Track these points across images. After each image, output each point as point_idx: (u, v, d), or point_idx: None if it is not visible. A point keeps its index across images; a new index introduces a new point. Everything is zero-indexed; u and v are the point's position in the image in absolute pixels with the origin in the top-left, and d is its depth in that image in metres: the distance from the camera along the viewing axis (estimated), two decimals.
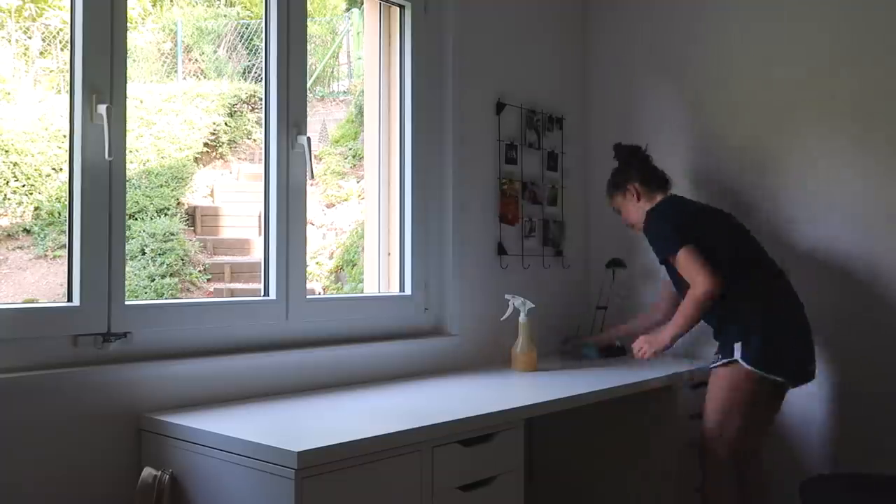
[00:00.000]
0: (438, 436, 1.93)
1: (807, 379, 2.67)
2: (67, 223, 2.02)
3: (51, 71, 7.14)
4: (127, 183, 2.10)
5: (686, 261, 2.62)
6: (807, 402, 2.96)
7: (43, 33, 7.15)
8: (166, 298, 5.90)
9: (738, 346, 2.60)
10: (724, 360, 2.63)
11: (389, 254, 2.91)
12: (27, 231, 6.15)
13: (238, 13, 9.01)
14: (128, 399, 2.02)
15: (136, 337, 2.06)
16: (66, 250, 2.02)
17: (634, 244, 3.29)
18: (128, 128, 2.08)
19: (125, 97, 2.06)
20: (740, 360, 2.58)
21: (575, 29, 3.57)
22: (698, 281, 2.59)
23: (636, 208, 2.88)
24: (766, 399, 2.65)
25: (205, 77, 8.52)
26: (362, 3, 6.64)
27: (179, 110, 7.50)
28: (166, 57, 8.43)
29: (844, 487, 2.65)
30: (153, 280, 6.23)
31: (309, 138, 2.46)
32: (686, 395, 2.80)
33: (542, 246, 3.30)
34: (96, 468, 1.96)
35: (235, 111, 7.85)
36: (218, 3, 8.96)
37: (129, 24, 2.12)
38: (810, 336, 2.66)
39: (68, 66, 2.02)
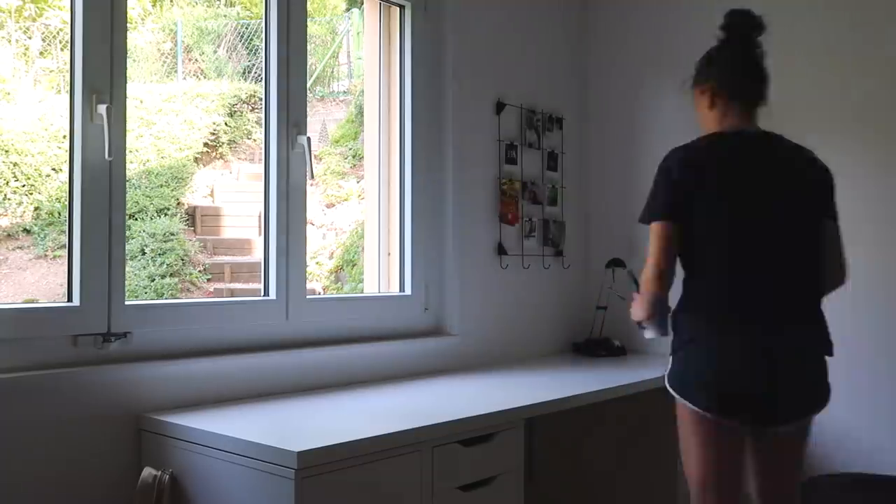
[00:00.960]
0: (438, 436, 1.93)
1: (765, 419, 2.01)
2: (67, 223, 2.02)
3: (51, 71, 7.14)
4: (127, 183, 2.10)
5: (652, 236, 2.05)
6: None
7: (43, 33, 7.15)
8: (166, 298, 5.90)
9: (670, 360, 2.06)
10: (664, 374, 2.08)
11: (389, 254, 2.91)
12: (27, 231, 6.15)
13: (238, 13, 9.01)
14: (128, 399, 2.02)
15: (136, 337, 2.06)
16: (66, 250, 2.02)
17: (634, 244, 3.28)
18: (128, 128, 2.08)
19: (125, 97, 2.06)
20: (665, 380, 2.04)
21: (575, 29, 3.57)
22: (648, 266, 2.04)
23: (704, 119, 2.20)
24: (715, 441, 1.98)
25: (205, 77, 8.52)
26: (362, 3, 6.65)
27: (179, 110, 7.50)
28: (166, 57, 8.43)
29: (844, 487, 2.65)
30: (153, 280, 6.23)
31: (309, 138, 2.47)
32: None
33: (542, 246, 3.30)
34: (96, 468, 1.96)
35: (235, 111, 7.85)
36: (218, 3, 8.96)
37: (129, 24, 2.12)
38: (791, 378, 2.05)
39: (68, 66, 2.02)
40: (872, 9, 2.87)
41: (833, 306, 2.90)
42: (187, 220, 6.94)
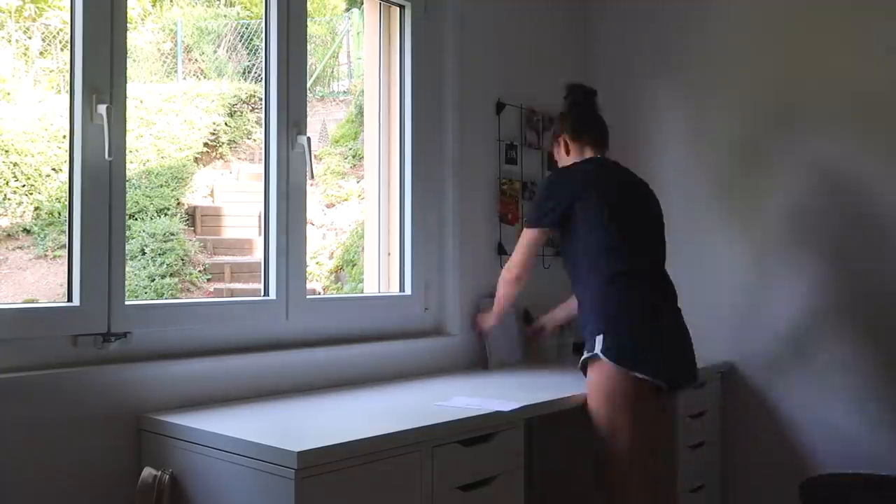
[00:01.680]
0: (438, 436, 1.93)
1: (681, 383, 2.43)
2: (67, 223, 2.02)
3: (51, 71, 7.14)
4: (127, 183, 2.10)
5: (523, 238, 2.56)
6: (807, 402, 2.96)
7: (43, 33, 7.15)
8: (166, 298, 5.90)
9: (599, 339, 2.32)
10: (587, 355, 2.35)
11: (389, 254, 2.91)
12: (27, 231, 6.15)
13: (238, 13, 9.01)
14: (128, 399, 2.02)
15: (136, 337, 2.06)
16: (66, 250, 2.02)
17: None
18: (128, 128, 2.08)
19: (125, 97, 2.06)
20: (600, 355, 2.29)
21: (575, 29, 3.57)
22: (512, 260, 2.60)
23: (563, 162, 2.64)
24: (644, 403, 2.31)
25: (205, 77, 8.52)
26: (362, 3, 6.64)
27: (179, 110, 7.50)
28: (166, 57, 8.43)
29: (844, 487, 2.65)
30: (153, 280, 6.22)
31: (309, 138, 2.47)
32: (687, 395, 2.80)
33: (542, 246, 3.30)
34: (96, 468, 1.96)
35: (235, 111, 7.85)
36: (218, 3, 8.96)
37: (129, 24, 2.12)
38: (685, 339, 2.45)
39: (68, 66, 2.02)
40: (876, 8, 2.87)
41: (834, 306, 2.91)
42: (187, 220, 6.94)
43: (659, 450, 2.47)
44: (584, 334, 2.40)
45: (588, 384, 2.35)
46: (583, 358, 2.37)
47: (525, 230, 2.55)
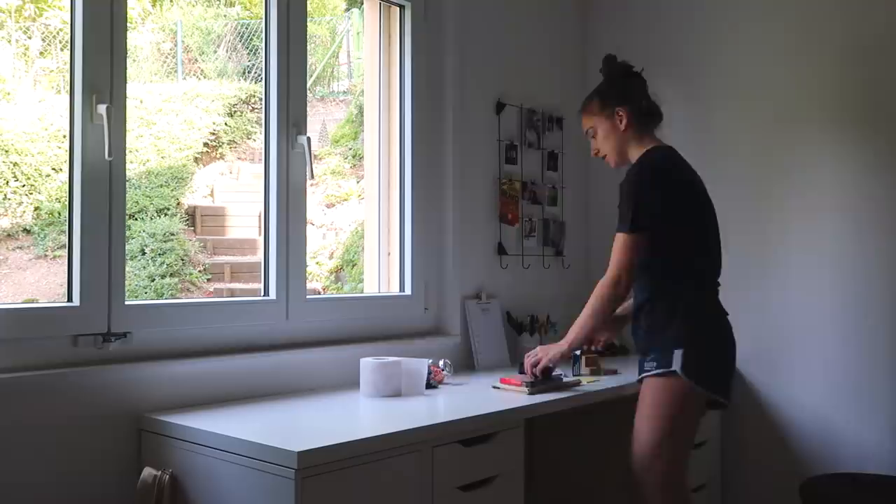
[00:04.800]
0: (438, 436, 1.93)
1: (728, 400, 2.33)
2: (67, 223, 2.02)
3: (51, 71, 7.13)
4: (127, 183, 2.10)
5: (621, 245, 2.25)
6: (807, 402, 2.96)
7: (43, 33, 7.14)
8: (166, 298, 5.89)
9: (678, 354, 2.18)
10: (661, 370, 2.20)
11: (389, 254, 2.91)
12: (27, 231, 6.14)
13: (238, 13, 9.00)
14: (128, 399, 2.02)
15: (136, 337, 2.06)
16: (66, 250, 2.02)
17: None
18: (128, 128, 2.09)
19: (125, 97, 2.06)
20: (680, 372, 2.17)
21: (575, 29, 3.57)
22: (612, 270, 2.25)
23: (619, 140, 2.38)
24: (695, 421, 2.29)
25: (205, 77, 8.52)
26: (362, 3, 6.64)
27: (179, 110, 7.49)
28: (166, 57, 8.42)
29: (844, 487, 2.65)
30: (153, 280, 6.22)
31: (309, 138, 2.47)
32: None
33: (542, 246, 3.30)
34: (96, 468, 1.96)
35: (235, 111, 7.84)
36: (218, 2, 8.95)
37: (129, 25, 2.12)
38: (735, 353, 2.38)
39: (68, 66, 2.02)
40: (876, 9, 2.87)
41: (834, 306, 2.91)
42: (187, 220, 6.94)
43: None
44: (652, 343, 2.26)
45: (652, 386, 2.22)
46: (654, 372, 2.21)
47: (624, 237, 2.24)
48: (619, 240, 2.25)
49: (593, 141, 2.45)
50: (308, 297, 2.50)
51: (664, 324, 2.24)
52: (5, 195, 6.05)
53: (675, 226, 2.24)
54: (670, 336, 2.21)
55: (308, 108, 2.54)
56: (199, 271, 6.56)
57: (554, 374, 2.44)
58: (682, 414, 2.22)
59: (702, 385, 2.20)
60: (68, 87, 2.02)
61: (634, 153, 2.37)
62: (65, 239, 2.26)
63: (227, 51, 8.79)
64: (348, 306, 2.72)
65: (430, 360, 2.49)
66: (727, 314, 2.35)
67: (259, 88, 7.06)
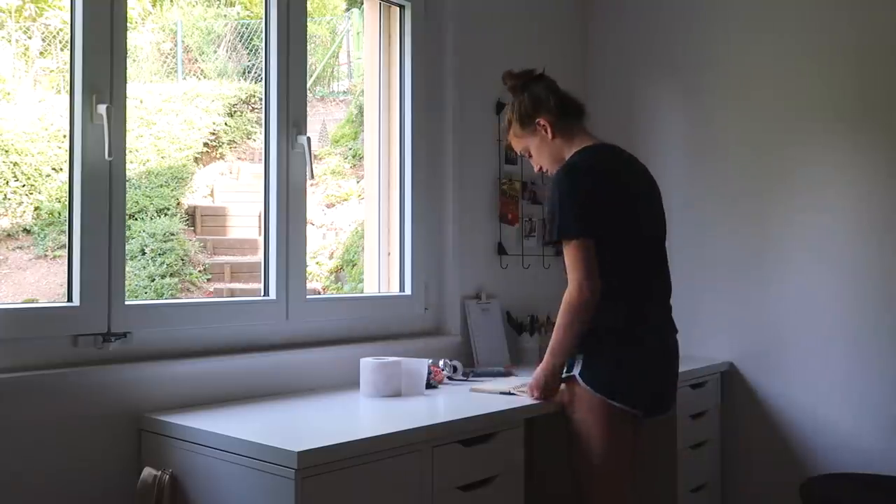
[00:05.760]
0: (438, 436, 1.93)
1: (660, 412, 2.25)
2: (67, 223, 2.02)
3: (51, 71, 7.13)
4: (127, 183, 2.10)
5: (574, 254, 2.11)
6: (807, 401, 2.96)
7: (43, 33, 7.14)
8: (166, 298, 5.89)
9: (578, 360, 2.14)
10: (565, 375, 2.17)
11: (389, 254, 2.91)
12: (27, 231, 6.14)
13: (238, 13, 9.00)
14: (128, 399, 2.02)
15: (136, 337, 2.06)
16: (66, 250, 2.02)
17: None
18: (128, 128, 2.09)
19: (125, 97, 2.06)
20: (577, 378, 2.13)
21: (575, 29, 3.56)
22: (575, 284, 2.10)
23: (552, 149, 2.27)
24: (619, 432, 2.14)
25: (205, 77, 8.52)
26: (362, 3, 6.64)
27: (179, 110, 7.49)
28: (166, 57, 8.42)
29: (844, 487, 2.65)
30: (153, 280, 6.22)
31: (309, 138, 2.47)
32: (687, 395, 2.80)
33: (542, 246, 3.30)
34: (96, 468, 1.96)
35: (235, 111, 7.84)
36: (218, 2, 8.95)
37: (129, 24, 2.12)
38: (676, 367, 2.27)
39: (68, 66, 2.02)
40: (877, 9, 2.87)
41: (834, 306, 2.91)
42: (187, 220, 6.94)
43: (639, 461, 2.28)
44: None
45: (564, 394, 2.20)
46: (563, 375, 2.17)
47: (573, 245, 2.11)
48: (566, 252, 2.14)
49: (532, 160, 2.37)
50: (308, 297, 2.50)
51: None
52: (5, 195, 6.05)
53: (596, 229, 2.11)
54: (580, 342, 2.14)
55: (308, 108, 2.54)
56: (199, 271, 6.56)
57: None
58: (589, 420, 2.12)
59: (598, 391, 2.10)
60: (68, 87, 2.02)
61: (568, 156, 2.26)
62: (65, 239, 2.26)
63: (227, 51, 8.79)
64: (348, 306, 2.72)
65: (430, 360, 2.49)
66: (668, 326, 2.24)
67: (259, 88, 7.06)
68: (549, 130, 2.27)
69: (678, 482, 2.80)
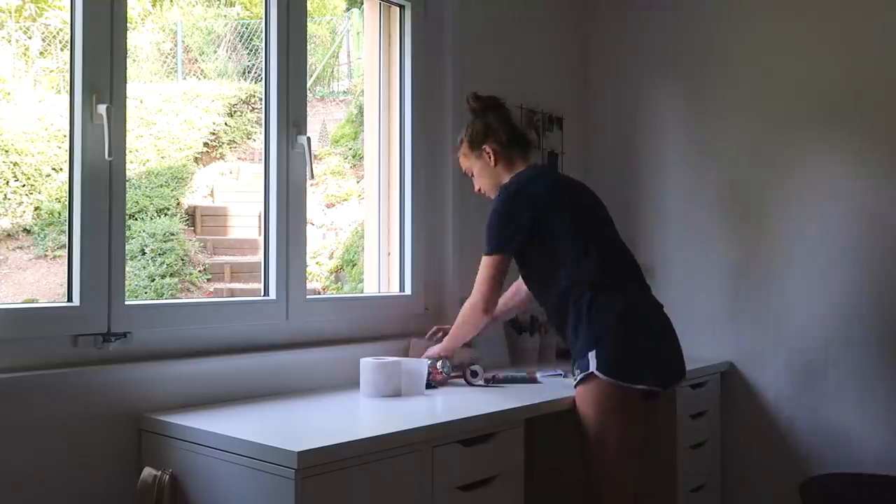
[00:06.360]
0: (438, 436, 1.93)
1: (677, 380, 2.37)
2: (67, 223, 2.02)
3: (51, 71, 7.13)
4: (127, 183, 2.10)
5: (485, 267, 2.37)
6: (806, 401, 2.96)
7: (43, 33, 7.14)
8: (166, 298, 5.89)
9: (592, 356, 2.22)
10: (582, 375, 2.24)
11: (389, 254, 2.91)
12: (27, 231, 6.14)
13: (238, 13, 9.00)
14: (128, 399, 2.02)
15: (136, 337, 2.06)
16: (66, 250, 2.02)
17: (634, 243, 3.28)
18: (128, 128, 2.09)
19: (125, 97, 2.06)
20: (596, 372, 2.20)
21: (575, 29, 3.57)
22: (477, 296, 2.39)
23: (492, 175, 2.47)
24: (635, 407, 2.26)
25: (205, 77, 8.52)
26: (362, 3, 6.64)
27: (179, 110, 7.49)
28: (166, 57, 8.42)
29: (844, 487, 2.65)
30: (153, 280, 6.22)
31: (309, 138, 2.47)
32: (687, 395, 2.80)
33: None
34: (96, 468, 1.96)
35: (235, 111, 7.84)
36: (218, 2, 8.95)
37: (129, 25, 2.12)
38: (673, 336, 2.35)
39: (68, 66, 2.02)
40: (875, 12, 2.87)
41: (834, 306, 2.91)
42: (187, 220, 6.94)
43: (644, 449, 2.35)
44: (573, 351, 2.30)
45: (579, 395, 2.26)
46: (578, 378, 2.24)
47: (487, 259, 2.37)
48: (482, 263, 2.39)
49: (474, 179, 2.54)
50: (308, 297, 2.50)
51: (574, 332, 2.28)
52: (5, 195, 6.05)
53: (546, 238, 2.31)
54: (582, 342, 2.24)
55: (308, 108, 2.54)
56: (199, 271, 6.56)
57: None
58: (608, 402, 2.20)
59: (623, 380, 2.18)
60: (68, 87, 2.02)
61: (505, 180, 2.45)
62: (65, 239, 2.26)
63: (227, 51, 8.79)
64: (348, 306, 2.72)
65: (430, 361, 2.48)
66: (651, 303, 2.36)
67: (259, 88, 7.06)
68: (492, 157, 2.46)
69: (678, 482, 2.79)
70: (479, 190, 2.54)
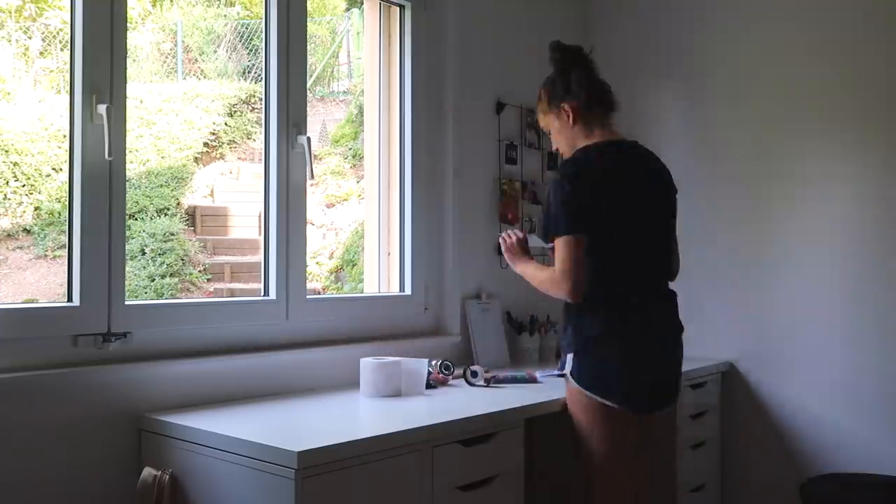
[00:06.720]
0: (438, 436, 1.93)
1: (656, 409, 2.21)
2: (67, 223, 2.02)
3: (51, 71, 7.13)
4: (127, 183, 2.10)
5: (562, 249, 2.11)
6: (807, 401, 2.96)
7: (43, 33, 7.14)
8: (166, 298, 5.89)
9: (570, 359, 2.17)
10: (557, 373, 2.22)
11: (389, 254, 2.91)
12: (27, 231, 6.14)
13: (238, 13, 9.00)
14: (128, 399, 2.02)
15: (136, 337, 2.06)
16: (66, 250, 2.02)
17: None
18: (128, 128, 2.09)
19: (125, 97, 2.06)
20: (569, 377, 2.16)
21: (575, 29, 3.56)
22: (561, 276, 2.11)
23: (570, 136, 2.28)
24: (620, 429, 2.14)
25: (205, 77, 8.52)
26: (362, 3, 6.64)
27: (179, 110, 7.49)
28: (166, 57, 8.42)
29: (844, 487, 2.65)
30: (153, 280, 6.22)
31: (309, 138, 2.47)
32: (687, 395, 2.80)
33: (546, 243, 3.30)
34: (96, 468, 1.96)
35: (235, 111, 7.84)
36: (218, 2, 8.95)
37: (129, 25, 2.12)
38: (675, 365, 2.25)
39: (68, 66, 2.02)
40: (875, 10, 2.87)
41: (835, 306, 2.91)
42: (187, 220, 6.94)
43: (641, 451, 2.22)
44: (561, 344, 2.24)
45: (567, 392, 2.22)
46: (558, 373, 2.22)
47: (561, 241, 2.12)
48: (562, 244, 2.13)
49: (551, 137, 2.38)
50: (308, 297, 2.50)
51: (563, 329, 2.22)
52: (5, 195, 6.05)
53: (590, 227, 2.12)
54: (566, 343, 2.20)
55: (308, 108, 2.54)
56: (199, 271, 6.56)
57: None
58: (597, 423, 2.13)
59: (594, 393, 2.12)
60: (68, 87, 2.02)
61: (581, 146, 2.26)
62: (65, 239, 2.26)
63: (227, 51, 8.79)
64: (348, 306, 2.72)
65: (430, 361, 2.49)
66: (649, 324, 2.18)
67: (259, 88, 7.06)
68: (570, 117, 2.25)
69: (678, 482, 2.79)
70: (556, 150, 2.37)
